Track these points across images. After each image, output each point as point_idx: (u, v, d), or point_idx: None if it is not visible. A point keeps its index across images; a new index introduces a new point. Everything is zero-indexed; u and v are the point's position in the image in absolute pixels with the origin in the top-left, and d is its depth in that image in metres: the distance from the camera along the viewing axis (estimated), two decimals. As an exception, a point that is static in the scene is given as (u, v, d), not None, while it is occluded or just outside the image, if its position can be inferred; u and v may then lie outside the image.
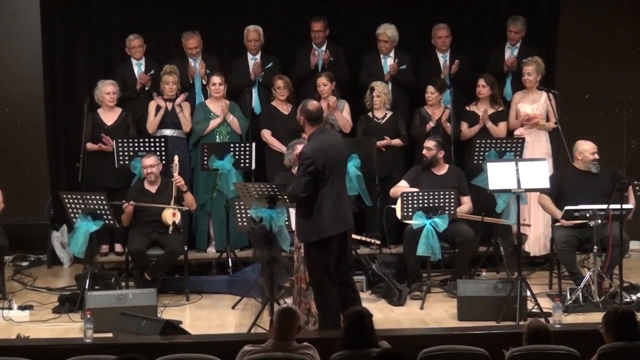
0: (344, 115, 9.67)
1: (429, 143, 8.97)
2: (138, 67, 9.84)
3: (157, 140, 9.21)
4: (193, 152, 9.65)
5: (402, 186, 8.90)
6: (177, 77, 9.56)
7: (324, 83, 9.52)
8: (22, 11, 10.37)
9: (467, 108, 9.72)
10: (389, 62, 9.89)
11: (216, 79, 9.53)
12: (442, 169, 9.05)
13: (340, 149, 7.26)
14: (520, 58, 9.84)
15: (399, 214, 8.66)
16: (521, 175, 7.99)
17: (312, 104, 7.20)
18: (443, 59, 9.99)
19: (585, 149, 8.71)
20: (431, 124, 9.45)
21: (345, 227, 7.18)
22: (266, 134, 9.65)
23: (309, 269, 7.28)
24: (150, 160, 8.86)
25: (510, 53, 9.97)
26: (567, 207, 8.41)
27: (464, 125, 9.65)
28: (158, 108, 9.57)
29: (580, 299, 8.13)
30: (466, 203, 8.99)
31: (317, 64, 9.86)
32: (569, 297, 8.17)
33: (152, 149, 9.12)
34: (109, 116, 9.57)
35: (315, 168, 6.96)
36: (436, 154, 8.94)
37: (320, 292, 7.21)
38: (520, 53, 9.92)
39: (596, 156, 8.69)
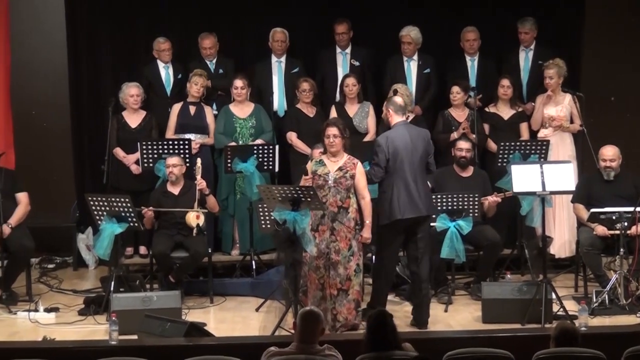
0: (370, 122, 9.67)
1: (466, 144, 8.96)
2: (165, 71, 9.88)
3: (181, 142, 9.21)
4: (218, 160, 9.62)
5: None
6: (205, 80, 9.57)
7: (353, 83, 9.51)
8: (47, 12, 10.42)
9: (487, 109, 9.69)
10: (412, 66, 9.88)
11: (238, 83, 9.51)
12: (468, 171, 9.04)
13: (414, 142, 7.76)
14: (535, 60, 9.83)
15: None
16: (546, 177, 7.96)
17: (397, 98, 8.02)
18: (471, 62, 9.96)
19: (600, 154, 8.69)
20: (455, 135, 9.40)
21: (414, 213, 7.67)
22: (292, 136, 9.63)
23: (377, 248, 7.87)
24: (173, 159, 8.88)
25: (524, 56, 9.94)
26: (592, 210, 8.41)
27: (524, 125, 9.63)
28: (182, 111, 9.56)
29: (607, 301, 8.10)
30: None
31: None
32: (595, 299, 8.13)
33: (176, 151, 9.12)
34: (134, 118, 9.58)
35: (383, 155, 7.63)
36: (472, 154, 8.96)
37: (375, 270, 8.04)
38: (535, 55, 9.89)
39: (610, 163, 8.61)
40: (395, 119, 7.87)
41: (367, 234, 7.75)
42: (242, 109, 9.62)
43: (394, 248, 7.88)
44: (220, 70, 9.91)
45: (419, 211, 7.71)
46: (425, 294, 7.89)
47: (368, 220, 7.71)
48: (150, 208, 8.65)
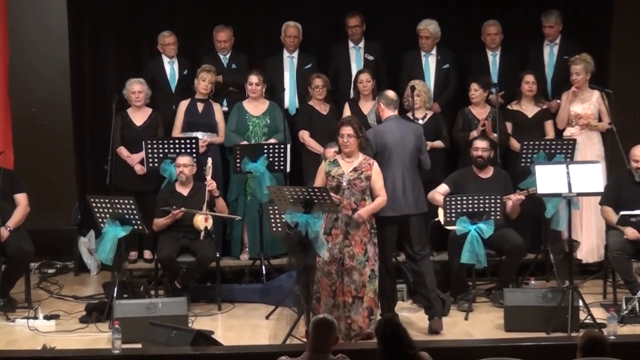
0: None
1: (483, 143, 8.84)
2: (170, 66, 9.77)
3: (188, 141, 9.09)
4: (230, 157, 9.50)
5: (440, 191, 8.74)
6: (214, 76, 9.49)
7: (367, 79, 9.40)
8: (49, 7, 10.41)
9: (510, 107, 9.56)
10: (430, 61, 9.74)
11: (253, 79, 9.42)
12: (488, 172, 8.89)
13: (404, 137, 7.74)
14: (561, 55, 9.75)
15: (442, 219, 8.50)
16: (572, 178, 7.84)
17: (389, 92, 7.94)
18: (493, 57, 9.84)
19: (632, 155, 8.57)
20: (474, 133, 9.28)
21: (393, 212, 7.62)
22: (305, 135, 9.52)
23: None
24: (184, 159, 8.81)
25: (549, 50, 9.83)
26: (622, 212, 8.30)
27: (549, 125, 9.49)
28: (190, 109, 9.42)
29: (637, 309, 7.99)
30: None
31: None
32: (624, 307, 8.00)
33: (183, 150, 9.00)
34: (139, 116, 9.49)
35: (370, 150, 7.65)
36: (490, 154, 8.83)
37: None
38: (560, 49, 9.79)
39: None
40: (387, 113, 7.86)
41: (363, 212, 7.55)
42: (256, 107, 9.51)
43: (386, 244, 7.75)
44: (233, 66, 9.81)
45: (401, 210, 7.70)
46: (432, 289, 7.83)
47: (372, 206, 7.56)
48: (182, 209, 8.56)
